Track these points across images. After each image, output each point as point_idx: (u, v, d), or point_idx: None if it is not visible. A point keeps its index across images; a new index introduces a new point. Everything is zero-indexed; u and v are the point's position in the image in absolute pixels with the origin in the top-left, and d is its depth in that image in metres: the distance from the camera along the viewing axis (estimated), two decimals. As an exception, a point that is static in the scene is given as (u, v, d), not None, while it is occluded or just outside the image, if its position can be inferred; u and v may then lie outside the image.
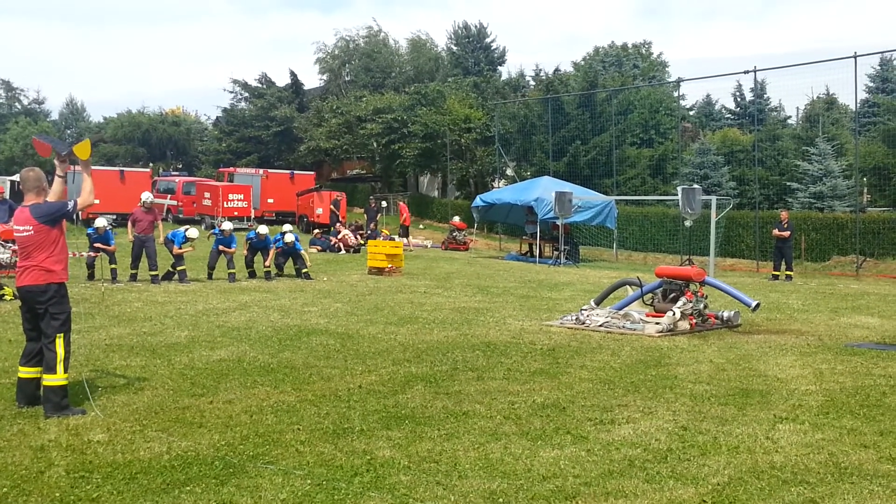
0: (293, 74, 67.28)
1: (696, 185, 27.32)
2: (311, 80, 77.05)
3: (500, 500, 5.83)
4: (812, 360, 11.17)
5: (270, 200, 46.64)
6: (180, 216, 44.37)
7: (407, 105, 51.97)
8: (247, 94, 67.58)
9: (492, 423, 7.80)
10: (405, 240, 35.59)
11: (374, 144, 54.44)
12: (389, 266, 23.69)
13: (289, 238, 22.30)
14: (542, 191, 30.93)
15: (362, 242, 33.30)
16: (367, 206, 40.81)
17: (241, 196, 43.26)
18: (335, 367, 10.37)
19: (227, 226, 21.60)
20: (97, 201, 37.00)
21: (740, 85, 53.64)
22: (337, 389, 9.09)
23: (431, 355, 11.29)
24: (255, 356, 10.99)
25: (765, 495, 5.92)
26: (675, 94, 46.47)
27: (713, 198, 26.15)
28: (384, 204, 42.82)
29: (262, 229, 22.04)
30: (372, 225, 37.49)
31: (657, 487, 6.08)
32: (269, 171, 50.25)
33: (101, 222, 20.47)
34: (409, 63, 63.46)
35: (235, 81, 67.86)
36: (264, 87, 66.46)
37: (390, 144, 51.92)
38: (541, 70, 58.02)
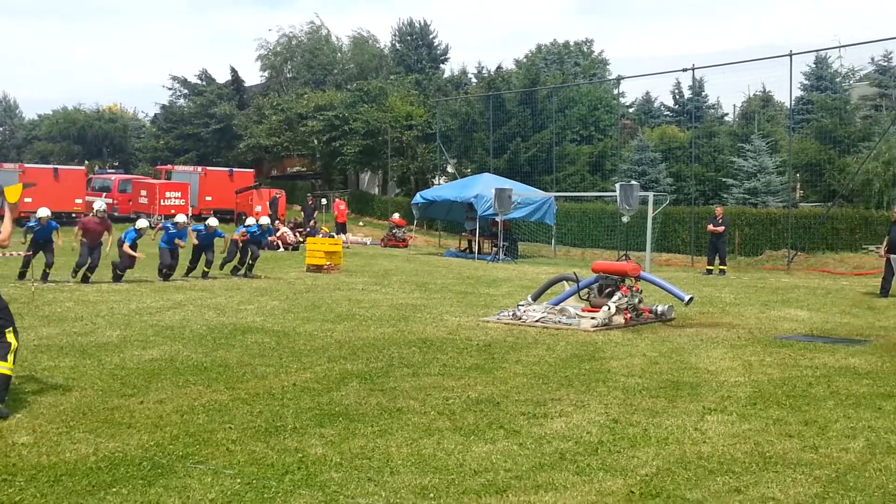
0: (234, 71, 66.74)
1: (633, 182, 27.63)
2: (253, 77, 76.48)
3: (431, 495, 5.84)
4: (742, 352, 11.38)
5: (209, 198, 46.20)
6: (115, 214, 43.67)
7: (349, 102, 51.81)
8: (186, 91, 66.77)
9: (425, 419, 7.82)
10: (343, 237, 35.49)
11: (315, 142, 54.20)
12: (328, 263, 23.61)
13: (264, 220, 22.74)
14: (483, 187, 31.07)
15: (301, 240, 33.12)
16: (305, 204, 40.58)
17: (179, 194, 42.79)
18: (270, 365, 10.30)
19: (181, 218, 21.32)
20: (28, 199, 36.18)
21: (679, 83, 54.35)
22: (271, 387, 9.03)
23: (367, 352, 11.28)
24: (188, 355, 10.87)
25: (691, 485, 6.01)
26: (615, 91, 46.99)
27: (650, 194, 26.47)
28: (324, 201, 42.65)
29: (213, 221, 21.70)
30: (312, 222, 37.30)
31: (587, 479, 6.14)
32: (208, 168, 49.77)
33: (43, 212, 19.82)
34: (351, 60, 63.23)
35: (175, 78, 67.10)
36: (204, 83, 65.72)
37: (331, 142, 51.71)
38: (483, 67, 58.25)
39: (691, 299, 15.08)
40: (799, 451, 6.84)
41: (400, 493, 5.88)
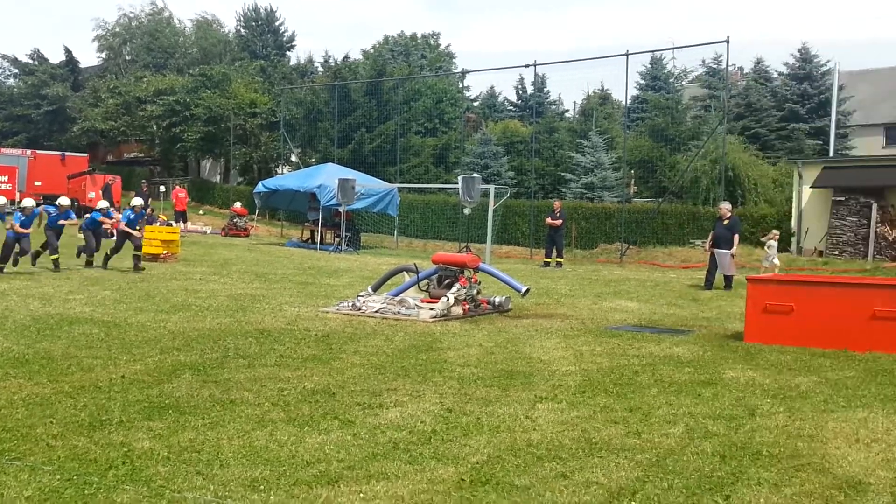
0: (68, 51, 64.00)
1: (475, 175, 28.04)
2: (89, 58, 73.28)
3: (262, 487, 5.76)
4: (574, 342, 11.71)
5: (38, 183, 44.07)
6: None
7: (190, 87, 50.45)
8: (16, 71, 63.64)
9: (259, 411, 7.71)
10: (182, 225, 34.61)
11: (155, 127, 52.57)
12: (165, 252, 22.96)
13: (137, 202, 21.79)
14: (326, 177, 30.88)
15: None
16: (139, 191, 39.27)
17: (6, 178, 40.70)
18: (97, 356, 9.93)
19: (104, 204, 20.56)
20: None
21: (522, 78, 55.50)
22: (97, 380, 8.70)
23: (202, 343, 11.03)
24: (8, 347, 10.35)
25: (520, 472, 6.15)
26: (460, 85, 47.54)
27: (491, 187, 26.91)
28: (162, 189, 41.43)
29: (64, 200, 20.68)
30: (149, 210, 36.12)
31: (419, 468, 6.19)
32: (38, 151, 47.54)
33: None
34: (194, 44, 61.61)
35: (4, 57, 63.88)
36: (36, 63, 62.75)
37: (171, 127, 50.28)
38: (330, 56, 57.86)
39: (528, 290, 15.43)
40: (623, 436, 7.09)
41: (229, 485, 5.78)
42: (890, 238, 25.54)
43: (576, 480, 5.98)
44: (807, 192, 27.83)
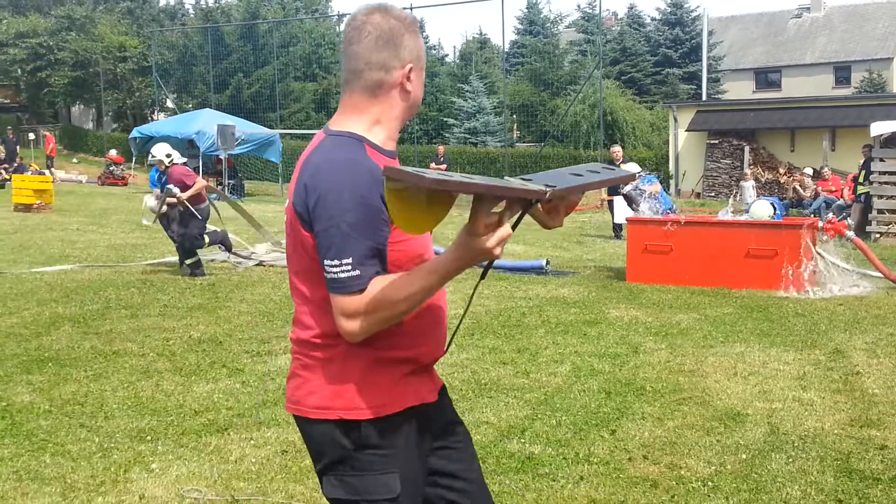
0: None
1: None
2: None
3: (149, 437, 5.66)
4: (462, 285, 11.69)
5: None
6: None
7: (54, 30, 48.20)
8: None
9: (144, 361, 7.55)
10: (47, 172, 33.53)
11: (19, 71, 50.11)
12: (38, 202, 22.07)
13: None
14: (204, 123, 30.05)
15: (7, 177, 30.71)
16: (5, 137, 37.49)
17: None
18: (-31, 311, 9.54)
19: None
20: None
21: (400, 23, 54.94)
22: (-30, 335, 8.37)
23: (82, 294, 10.70)
24: None
25: (412, 414, 6.18)
26: (338, 28, 46.79)
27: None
28: (31, 136, 39.69)
29: None
30: (19, 158, 34.60)
31: (310, 414, 6.16)
32: None
33: None
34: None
35: None
36: None
37: (37, 72, 48.02)
38: (200, -2, 55.99)
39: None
40: (512, 376, 7.20)
41: (115, 437, 5.66)
42: (762, 180, 26.46)
43: (466, 420, 5.98)
44: (682, 135, 28.51)
